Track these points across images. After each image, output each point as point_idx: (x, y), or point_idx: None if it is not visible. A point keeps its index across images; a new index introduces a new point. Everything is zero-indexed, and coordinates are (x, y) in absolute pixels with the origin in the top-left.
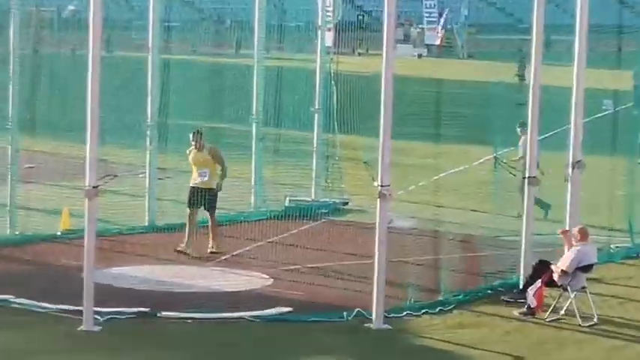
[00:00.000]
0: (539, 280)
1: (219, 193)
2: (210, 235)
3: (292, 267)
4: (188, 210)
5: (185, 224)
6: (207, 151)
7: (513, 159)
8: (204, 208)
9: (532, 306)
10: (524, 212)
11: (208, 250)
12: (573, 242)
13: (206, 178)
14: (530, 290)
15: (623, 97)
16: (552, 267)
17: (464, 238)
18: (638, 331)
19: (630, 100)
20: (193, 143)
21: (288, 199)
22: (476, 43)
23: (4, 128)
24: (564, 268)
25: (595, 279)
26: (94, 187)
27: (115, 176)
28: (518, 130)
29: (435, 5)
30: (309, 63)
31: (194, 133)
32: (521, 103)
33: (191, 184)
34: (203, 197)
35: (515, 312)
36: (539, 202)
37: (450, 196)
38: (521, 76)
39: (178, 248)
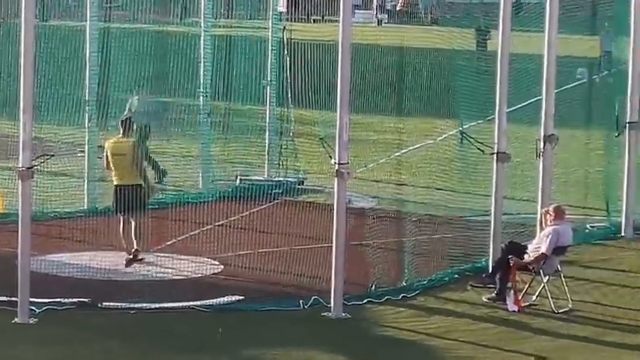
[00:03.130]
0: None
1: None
2: (134, 244)
3: (244, 252)
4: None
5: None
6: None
7: None
8: (130, 213)
9: (510, 309)
10: (493, 190)
11: (130, 256)
12: (548, 221)
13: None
14: (508, 298)
15: (599, 65)
16: (528, 250)
17: (429, 219)
18: (615, 316)
19: (605, 67)
20: (120, 136)
21: (239, 178)
22: (440, 8)
23: None
24: (544, 252)
25: (569, 261)
26: (28, 168)
27: (52, 156)
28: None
29: None
30: (261, 31)
31: (124, 121)
32: (485, 72)
33: (115, 183)
34: (132, 195)
35: (484, 298)
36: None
37: (413, 174)
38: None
39: (130, 257)
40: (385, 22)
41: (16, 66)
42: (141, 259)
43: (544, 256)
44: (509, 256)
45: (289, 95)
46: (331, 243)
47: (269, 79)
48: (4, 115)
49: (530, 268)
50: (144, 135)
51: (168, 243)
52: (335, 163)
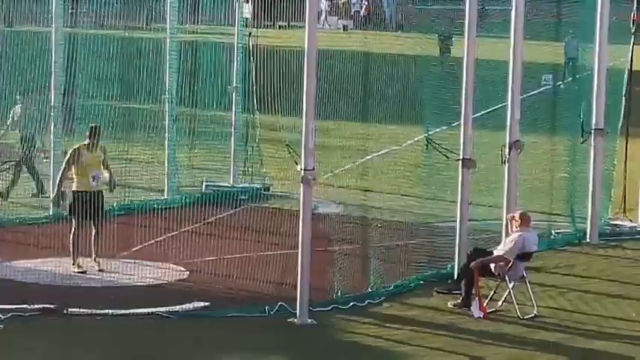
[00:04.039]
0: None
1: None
2: (94, 249)
3: (210, 258)
4: (74, 222)
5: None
6: (100, 149)
7: None
8: (93, 218)
9: (475, 316)
10: (459, 196)
11: (96, 269)
12: (514, 228)
13: (100, 181)
14: (474, 305)
15: (564, 72)
16: (495, 254)
17: (394, 224)
18: (582, 323)
19: (570, 73)
20: (85, 144)
21: (204, 184)
22: (405, 14)
23: None
24: (506, 256)
25: (535, 268)
26: None
27: (16, 162)
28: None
29: None
30: (227, 37)
31: (92, 130)
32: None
33: (77, 189)
34: (94, 205)
35: (450, 304)
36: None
37: (378, 180)
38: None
39: (76, 270)
40: (351, 28)
41: None
42: (85, 271)
43: (502, 259)
44: (471, 263)
45: (255, 101)
46: (297, 249)
47: (235, 85)
48: None
49: (496, 273)
50: (30, 145)
51: (134, 249)
52: (301, 169)
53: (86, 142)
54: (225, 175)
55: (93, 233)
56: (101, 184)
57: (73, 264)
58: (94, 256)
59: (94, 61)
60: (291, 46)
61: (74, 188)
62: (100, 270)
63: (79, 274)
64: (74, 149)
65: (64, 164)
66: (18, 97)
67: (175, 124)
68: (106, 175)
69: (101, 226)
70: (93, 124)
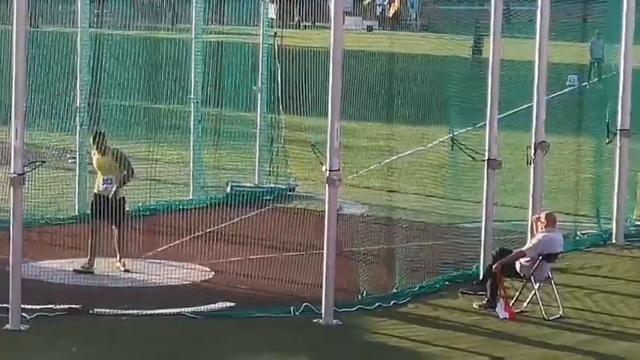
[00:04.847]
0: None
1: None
2: (117, 251)
3: (235, 259)
4: (90, 223)
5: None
6: (112, 154)
7: None
8: (111, 223)
9: (500, 317)
10: (484, 197)
11: (122, 269)
12: (539, 228)
13: (112, 186)
14: (499, 305)
15: (589, 72)
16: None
17: (419, 225)
18: (607, 324)
19: (596, 74)
20: (95, 147)
21: (230, 185)
22: (431, 14)
23: None
24: (527, 252)
25: (560, 269)
26: (19, 174)
27: (43, 162)
28: None
29: None
30: (252, 37)
31: (95, 135)
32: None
33: (95, 191)
34: (107, 209)
35: (475, 305)
36: None
37: (404, 181)
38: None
39: (79, 268)
40: (375, 28)
41: (7, 72)
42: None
43: (522, 254)
44: (494, 264)
45: (280, 101)
46: (322, 250)
47: (260, 86)
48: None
49: (521, 274)
50: None
51: (160, 249)
52: (326, 169)
53: (94, 148)
54: (251, 175)
55: (115, 235)
56: (110, 189)
57: (88, 263)
58: (118, 256)
59: (119, 61)
60: (316, 46)
61: (94, 190)
62: (125, 270)
63: (86, 273)
64: (92, 153)
65: None
66: None
67: (200, 125)
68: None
69: (122, 228)
70: (96, 130)
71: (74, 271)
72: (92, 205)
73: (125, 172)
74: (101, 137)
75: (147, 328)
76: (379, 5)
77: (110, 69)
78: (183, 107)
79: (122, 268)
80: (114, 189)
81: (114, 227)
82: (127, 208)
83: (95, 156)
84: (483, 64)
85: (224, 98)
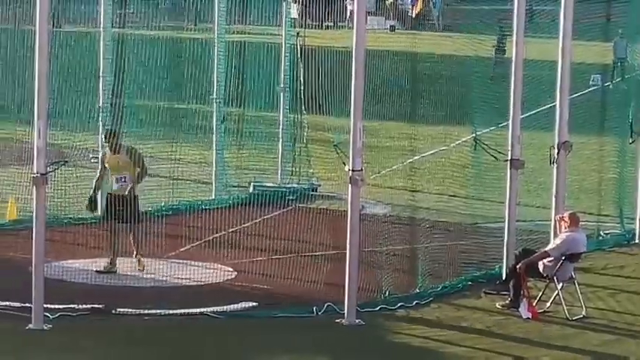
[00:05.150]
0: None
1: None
2: (135, 251)
3: (257, 258)
4: (107, 224)
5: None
6: (126, 152)
7: None
8: (124, 221)
9: (523, 317)
10: (507, 197)
11: (138, 267)
12: (563, 228)
13: (126, 184)
14: (522, 305)
15: (613, 72)
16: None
17: (442, 225)
18: (630, 324)
19: (619, 73)
20: (107, 146)
21: (252, 184)
22: (453, 14)
23: None
24: (550, 253)
25: (583, 268)
26: (42, 174)
27: (66, 162)
28: None
29: None
30: (275, 37)
31: (107, 134)
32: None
33: (108, 192)
34: (122, 207)
35: (498, 305)
36: None
37: (426, 181)
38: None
39: (101, 269)
40: (398, 28)
41: (30, 72)
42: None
43: (546, 255)
44: (518, 264)
45: (303, 101)
46: (345, 249)
47: (282, 85)
48: (18, 121)
49: (544, 274)
50: None
51: (182, 249)
52: (349, 169)
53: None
54: (273, 175)
55: (130, 235)
56: (125, 188)
57: (109, 263)
58: (134, 253)
59: (141, 62)
60: (338, 46)
61: (108, 191)
62: (140, 269)
63: (108, 274)
64: (103, 153)
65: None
66: None
67: (223, 125)
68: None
69: (136, 226)
70: (108, 128)
71: (96, 271)
72: (107, 205)
73: (139, 170)
74: (114, 135)
75: (169, 328)
76: (402, 5)
77: (133, 69)
78: (205, 107)
79: (138, 267)
80: (129, 187)
81: (128, 225)
82: (140, 207)
83: (107, 154)
84: (506, 64)
85: (246, 98)
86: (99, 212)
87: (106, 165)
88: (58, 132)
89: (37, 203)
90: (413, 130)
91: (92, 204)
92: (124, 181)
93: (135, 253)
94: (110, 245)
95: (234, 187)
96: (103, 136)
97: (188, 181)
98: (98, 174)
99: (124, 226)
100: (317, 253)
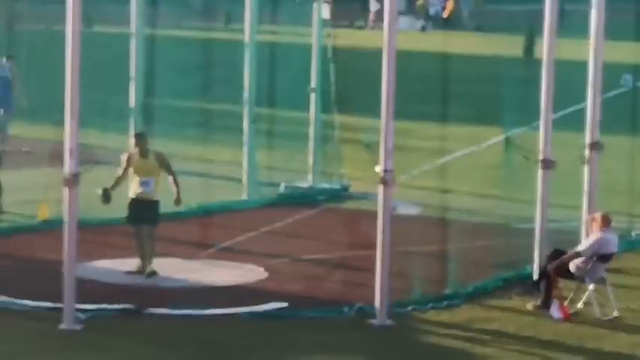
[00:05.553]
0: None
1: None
2: (147, 254)
3: (288, 259)
4: (133, 228)
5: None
6: (153, 156)
7: None
8: (147, 223)
9: (555, 317)
10: (538, 197)
11: (145, 273)
12: (594, 229)
13: (150, 188)
14: (553, 306)
15: None
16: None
17: (473, 225)
18: None
19: None
20: (135, 151)
21: (283, 185)
22: (483, 14)
23: None
24: (581, 253)
25: (615, 269)
26: (74, 174)
27: (97, 163)
28: None
29: None
30: (305, 37)
31: (136, 136)
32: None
33: (131, 196)
34: (146, 211)
35: (529, 306)
36: None
37: (457, 181)
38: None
39: (132, 270)
40: (428, 28)
41: (62, 72)
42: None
43: (577, 255)
44: (549, 264)
45: (334, 102)
46: (376, 250)
47: (313, 86)
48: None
49: (576, 275)
50: None
51: (213, 250)
52: (380, 170)
53: (136, 150)
54: (304, 175)
55: (149, 236)
56: (149, 191)
57: (141, 266)
58: (149, 260)
59: (172, 62)
60: (369, 46)
61: (130, 195)
62: (150, 273)
63: (159, 275)
64: (129, 154)
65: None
66: None
67: (254, 125)
68: (170, 181)
69: (153, 231)
70: (137, 131)
71: (127, 272)
72: (130, 208)
73: (171, 176)
74: (142, 139)
75: (200, 329)
76: (433, 6)
77: (164, 70)
78: (236, 108)
79: (147, 272)
80: (149, 189)
81: (148, 228)
82: (159, 211)
83: (134, 156)
84: (537, 64)
85: (277, 99)
86: (109, 202)
87: (132, 167)
88: (90, 133)
89: (69, 204)
90: (444, 130)
91: (106, 196)
92: (148, 186)
93: (148, 256)
94: (138, 248)
95: (265, 187)
96: (133, 140)
97: (219, 182)
98: (121, 173)
99: (146, 228)
100: (348, 254)
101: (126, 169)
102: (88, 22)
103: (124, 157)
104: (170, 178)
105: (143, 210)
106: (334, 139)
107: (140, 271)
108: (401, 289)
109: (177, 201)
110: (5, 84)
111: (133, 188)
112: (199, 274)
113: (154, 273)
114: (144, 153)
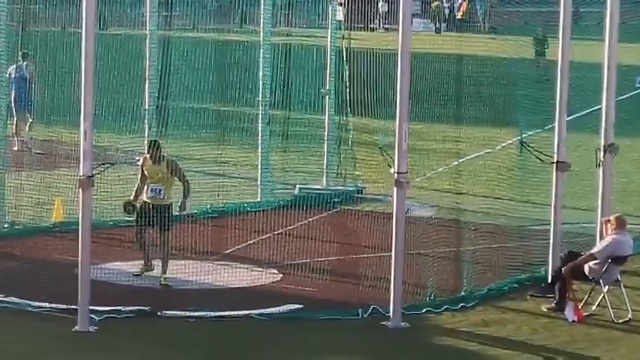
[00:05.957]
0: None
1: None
2: (162, 261)
3: (303, 261)
4: (138, 230)
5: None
6: (166, 164)
7: None
8: (158, 229)
9: (569, 319)
10: (553, 199)
11: (160, 282)
12: (609, 231)
13: (161, 196)
14: (568, 308)
15: None
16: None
17: (487, 228)
18: None
19: None
20: (148, 156)
21: (297, 187)
22: (498, 16)
23: None
24: (596, 255)
25: (629, 271)
26: (88, 176)
27: (112, 164)
28: None
29: None
30: (320, 39)
31: (151, 144)
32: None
33: (143, 199)
34: (156, 216)
35: (544, 308)
36: None
37: (472, 183)
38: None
39: (136, 272)
40: (443, 31)
41: (76, 74)
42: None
43: (592, 258)
44: (563, 267)
45: (348, 104)
46: (390, 252)
47: (328, 88)
48: (65, 123)
49: (590, 277)
50: None
51: (227, 251)
52: (394, 172)
53: (148, 156)
54: (319, 177)
55: (162, 246)
56: (159, 198)
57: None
58: (161, 269)
59: (187, 64)
60: (383, 48)
61: (142, 197)
62: (164, 285)
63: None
64: (143, 158)
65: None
66: None
67: (269, 127)
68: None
69: (166, 238)
70: (152, 139)
71: (133, 275)
72: (140, 211)
73: (185, 184)
74: (156, 146)
75: (214, 331)
76: (447, 8)
77: (178, 71)
78: (251, 109)
79: (161, 282)
80: (161, 196)
81: (160, 232)
82: (172, 215)
83: (147, 161)
84: (551, 66)
85: (292, 100)
86: (134, 214)
87: (145, 172)
88: (104, 134)
89: (83, 205)
90: (458, 132)
91: (130, 208)
92: (159, 193)
93: (162, 263)
94: (141, 250)
95: (279, 189)
96: (146, 146)
97: (234, 184)
98: (139, 181)
99: (159, 235)
100: (362, 256)
101: (142, 177)
102: (103, 24)
103: (139, 161)
104: (184, 186)
105: (153, 214)
106: (349, 141)
107: (149, 269)
108: (415, 292)
109: (182, 207)
110: (24, 84)
111: (145, 192)
112: (213, 276)
113: (167, 286)
114: (157, 160)
